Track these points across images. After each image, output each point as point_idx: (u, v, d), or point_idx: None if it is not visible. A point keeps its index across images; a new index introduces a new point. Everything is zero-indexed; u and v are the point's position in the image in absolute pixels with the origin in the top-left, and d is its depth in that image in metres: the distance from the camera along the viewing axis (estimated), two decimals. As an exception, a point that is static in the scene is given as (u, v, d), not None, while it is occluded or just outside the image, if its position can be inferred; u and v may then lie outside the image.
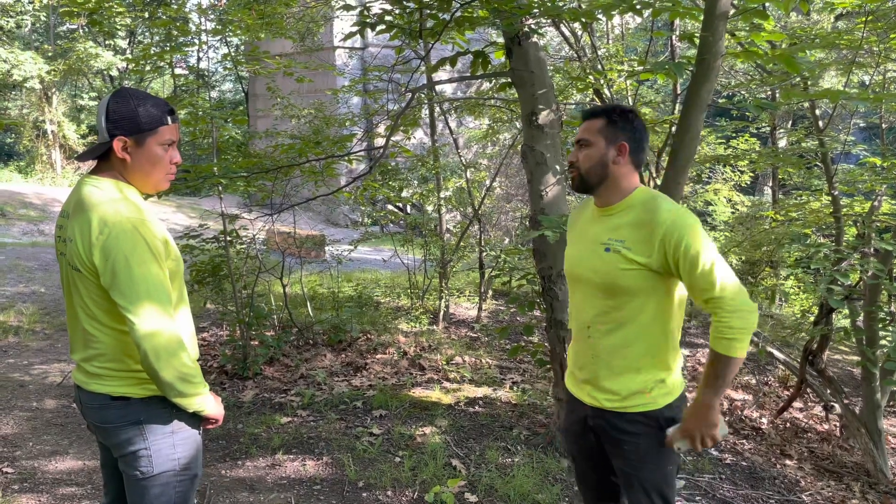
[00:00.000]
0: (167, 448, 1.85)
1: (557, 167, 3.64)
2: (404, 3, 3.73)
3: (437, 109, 7.41)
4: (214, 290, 5.47)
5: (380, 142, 6.99)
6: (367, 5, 4.09)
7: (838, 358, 6.51)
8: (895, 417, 5.12)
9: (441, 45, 4.63)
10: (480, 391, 4.94)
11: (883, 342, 4.27)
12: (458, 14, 3.71)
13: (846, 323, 4.79)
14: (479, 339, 6.45)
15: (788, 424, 4.92)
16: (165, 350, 1.72)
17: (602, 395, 2.04)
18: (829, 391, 4.58)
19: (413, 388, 4.93)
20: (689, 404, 2.01)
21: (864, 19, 4.44)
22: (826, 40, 4.46)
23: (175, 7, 6.86)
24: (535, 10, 3.30)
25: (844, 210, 4.94)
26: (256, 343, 5.41)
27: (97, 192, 1.80)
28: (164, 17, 6.07)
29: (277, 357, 5.42)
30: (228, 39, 7.41)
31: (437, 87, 8.02)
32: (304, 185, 5.88)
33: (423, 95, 6.61)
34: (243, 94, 20.28)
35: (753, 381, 5.79)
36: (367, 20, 3.92)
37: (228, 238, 5.31)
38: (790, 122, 9.01)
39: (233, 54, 7.23)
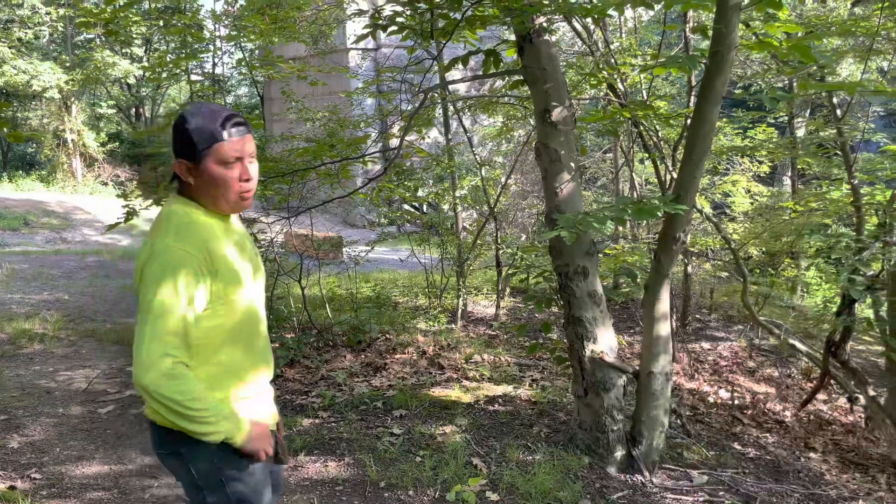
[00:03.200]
0: (214, 481, 1.82)
1: (572, 164, 3.63)
2: (415, 3, 3.74)
3: (451, 108, 7.41)
4: (234, 294, 5.52)
5: (394, 142, 7.01)
6: (379, 7, 4.11)
7: (862, 349, 6.43)
8: (922, 408, 5.04)
9: (454, 45, 4.64)
10: (500, 389, 4.94)
11: (907, 333, 4.22)
12: (469, 13, 3.72)
13: (869, 313, 4.73)
14: (497, 337, 6.45)
15: (812, 417, 4.87)
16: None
17: None
18: (853, 382, 4.52)
19: (432, 388, 4.94)
20: None
21: (880, 5, 4.38)
22: (842, 28, 4.40)
23: (189, 14, 6.93)
24: (546, 8, 3.29)
25: (865, 199, 4.88)
26: (277, 345, 5.45)
27: (165, 213, 1.77)
28: (179, 25, 6.14)
29: (298, 359, 5.46)
30: (243, 44, 7.47)
31: (451, 87, 8.03)
32: (321, 187, 5.91)
33: (436, 95, 6.62)
34: (259, 98, 20.42)
35: (776, 374, 5.74)
36: (379, 22, 3.94)
37: (247, 242, 5.35)
38: (808, 111, 8.90)
39: (247, 59, 7.29)
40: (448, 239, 7.27)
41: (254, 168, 1.79)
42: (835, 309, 4.60)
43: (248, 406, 1.86)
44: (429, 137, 9.54)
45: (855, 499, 3.56)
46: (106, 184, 19.75)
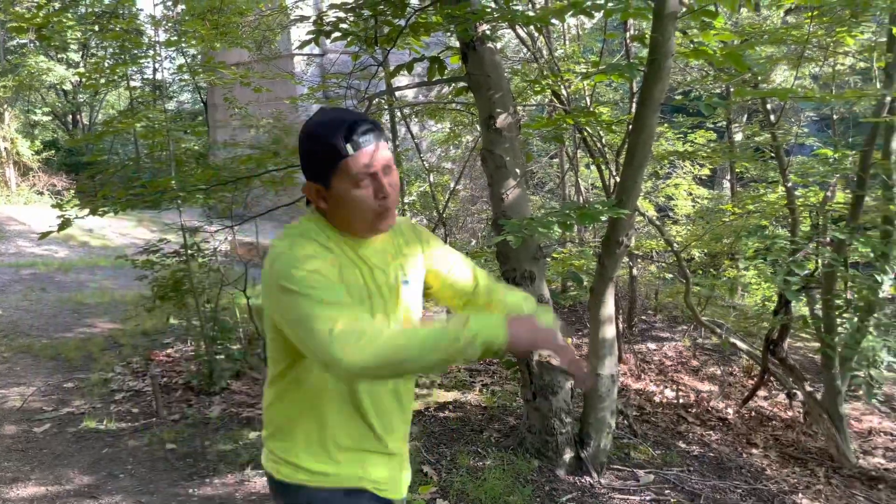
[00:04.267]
0: None
1: (517, 170, 3.66)
2: (358, 10, 3.72)
3: (398, 114, 7.40)
4: (177, 306, 5.39)
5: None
6: (322, 14, 4.07)
7: (799, 346, 6.65)
8: (856, 402, 5.25)
9: (400, 51, 4.63)
10: (450, 395, 4.94)
11: (840, 329, 4.38)
12: (413, 20, 3.72)
13: (806, 311, 4.90)
14: (448, 342, 6.44)
15: (753, 413, 5.01)
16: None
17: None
18: (791, 379, 4.68)
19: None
20: None
21: (810, 14, 4.55)
22: (774, 36, 4.55)
23: (127, 19, 6.75)
24: (489, 15, 3.32)
25: (799, 201, 5.05)
26: (222, 357, 5.34)
27: (294, 229, 1.56)
28: (117, 30, 5.96)
29: (244, 371, 5.35)
30: (184, 50, 7.31)
31: (398, 93, 8.01)
32: (266, 195, 5.82)
33: (382, 101, 6.59)
34: (202, 105, 20.04)
35: (719, 372, 5.89)
36: (323, 28, 3.90)
37: (190, 252, 5.23)
38: (745, 116, 9.18)
39: (189, 64, 7.14)
40: (397, 245, 7.23)
41: (391, 179, 1.50)
42: (773, 308, 4.75)
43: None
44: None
45: (795, 492, 3.67)
46: (41, 193, 19.03)
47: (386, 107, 6.84)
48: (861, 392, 4.73)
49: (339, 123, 1.45)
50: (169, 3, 8.67)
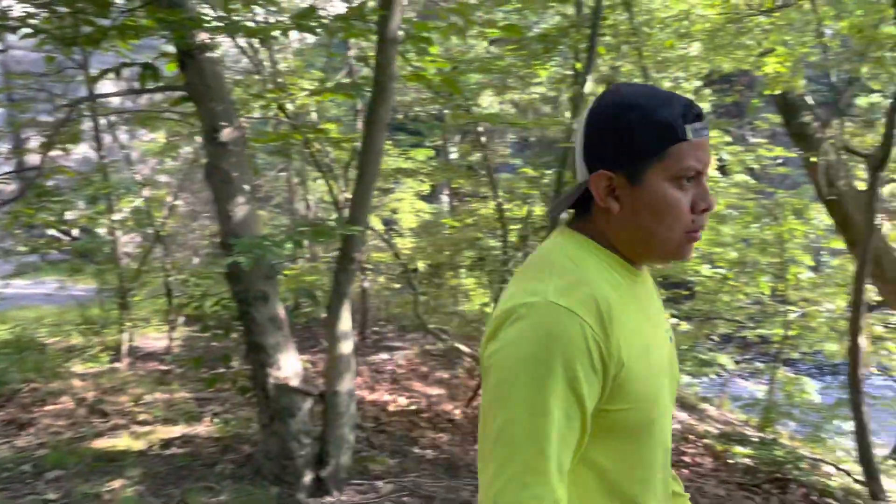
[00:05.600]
0: None
1: (245, 186, 3.52)
2: (54, 6, 3.27)
3: (105, 122, 6.68)
4: None
5: (34, 159, 6.06)
6: (6, 8, 3.51)
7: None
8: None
9: (104, 53, 4.17)
10: (177, 430, 4.56)
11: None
12: (120, 22, 3.37)
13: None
14: (171, 372, 5.96)
15: (478, 411, 5.41)
16: None
17: None
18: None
19: (95, 440, 4.36)
20: None
21: (508, 48, 5.10)
22: (482, 67, 5.00)
23: None
24: (208, 25, 3.14)
25: (508, 214, 5.60)
26: None
27: (536, 256, 1.12)
28: None
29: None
30: None
31: (103, 99, 7.24)
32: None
33: (82, 107, 5.89)
34: None
35: (446, 376, 6.26)
36: (6, 23, 3.36)
37: None
38: (459, 136, 9.97)
39: None
40: (106, 267, 6.52)
41: (709, 196, 1.09)
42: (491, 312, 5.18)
43: None
44: (78, 154, 8.45)
45: (516, 481, 4.02)
46: None
47: (89, 113, 6.14)
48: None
49: (670, 97, 1.06)
50: None
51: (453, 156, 8.80)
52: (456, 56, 6.04)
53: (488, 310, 6.05)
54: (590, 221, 1.11)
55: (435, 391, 5.90)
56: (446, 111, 6.76)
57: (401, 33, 3.32)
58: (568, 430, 0.97)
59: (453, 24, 3.61)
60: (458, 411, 5.34)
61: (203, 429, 4.60)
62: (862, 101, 7.35)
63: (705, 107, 9.93)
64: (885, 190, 6.79)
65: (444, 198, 10.43)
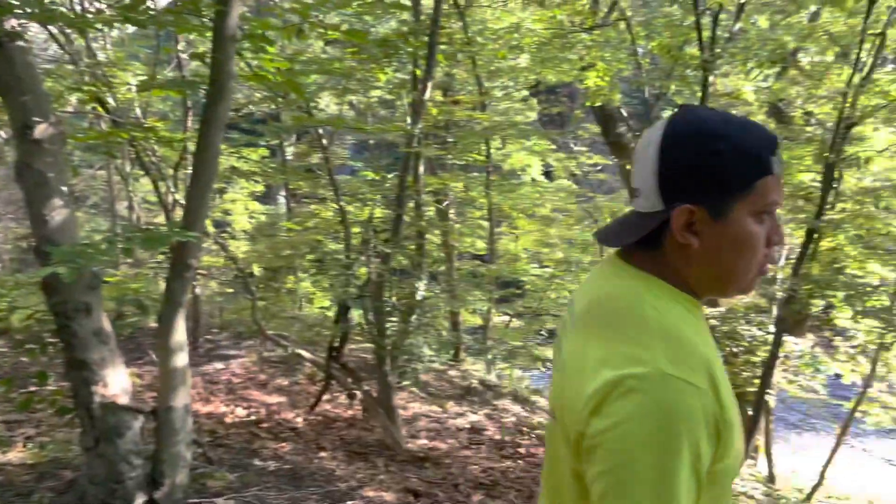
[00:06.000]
0: None
1: (63, 188, 3.21)
2: None
3: None
4: None
5: None
6: None
7: (355, 347, 7.34)
8: (403, 392, 6.00)
9: None
10: (-19, 458, 4.06)
11: (389, 331, 4.98)
12: None
13: (360, 317, 5.42)
14: (-30, 393, 5.29)
15: (321, 418, 5.34)
16: None
17: None
18: (351, 380, 5.13)
19: None
20: None
21: (349, 50, 5.09)
22: (322, 68, 4.94)
23: None
24: (20, 11, 2.83)
25: (350, 217, 5.58)
26: None
27: (612, 307, 1.03)
28: None
29: None
30: None
31: None
32: None
33: None
34: None
35: (286, 383, 6.11)
36: None
37: None
38: (295, 137, 9.75)
39: None
40: None
41: (780, 230, 1.06)
42: (333, 317, 5.14)
43: None
44: None
45: (362, 486, 4.03)
46: None
47: None
48: (407, 383, 5.45)
49: (749, 126, 1.01)
50: None
51: (289, 155, 8.61)
52: (294, 56, 5.91)
53: (329, 314, 5.99)
54: (658, 256, 1.05)
55: (275, 399, 5.74)
56: (283, 111, 6.60)
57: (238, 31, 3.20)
58: None
59: (294, 24, 3.53)
60: (299, 419, 5.24)
61: (15, 455, 4.13)
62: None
63: (532, 116, 10.54)
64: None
65: (281, 199, 10.18)
